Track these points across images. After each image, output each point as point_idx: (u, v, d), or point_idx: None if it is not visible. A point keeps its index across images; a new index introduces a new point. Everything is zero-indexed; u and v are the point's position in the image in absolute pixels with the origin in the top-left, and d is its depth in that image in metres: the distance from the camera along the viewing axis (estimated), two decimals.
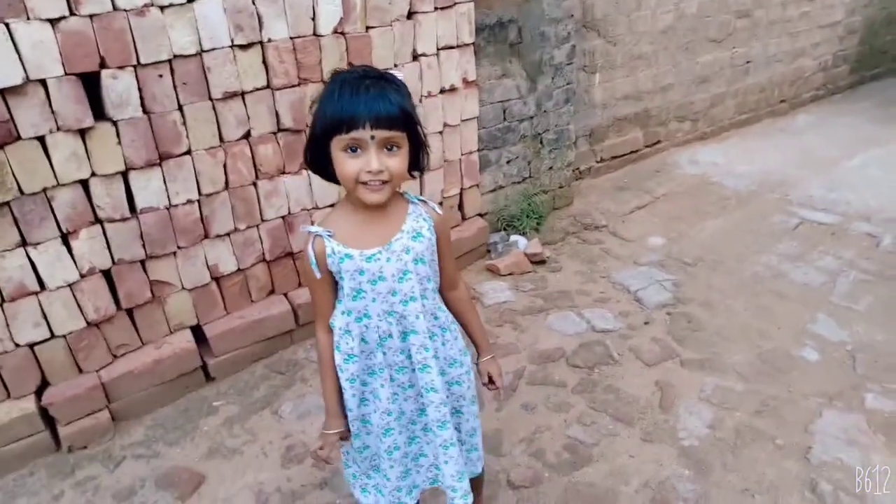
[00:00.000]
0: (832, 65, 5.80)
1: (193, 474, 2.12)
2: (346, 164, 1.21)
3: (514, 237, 3.40)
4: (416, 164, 1.32)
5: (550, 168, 3.68)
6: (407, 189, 1.44)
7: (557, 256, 3.38)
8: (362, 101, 1.17)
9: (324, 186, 2.70)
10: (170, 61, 2.21)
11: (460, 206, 3.27)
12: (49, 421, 2.24)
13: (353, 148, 1.19)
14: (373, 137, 1.18)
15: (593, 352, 2.61)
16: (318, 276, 1.33)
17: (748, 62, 4.98)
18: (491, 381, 1.57)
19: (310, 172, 2.61)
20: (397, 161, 1.23)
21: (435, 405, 1.40)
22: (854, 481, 1.97)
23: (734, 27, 4.72)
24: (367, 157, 1.19)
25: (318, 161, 1.27)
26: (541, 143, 3.57)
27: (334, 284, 1.37)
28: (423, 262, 1.35)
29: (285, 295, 2.76)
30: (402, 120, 1.21)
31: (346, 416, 1.45)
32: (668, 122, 4.62)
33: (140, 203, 2.29)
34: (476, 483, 1.68)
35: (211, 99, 2.33)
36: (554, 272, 3.23)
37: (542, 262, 3.29)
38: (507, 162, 3.45)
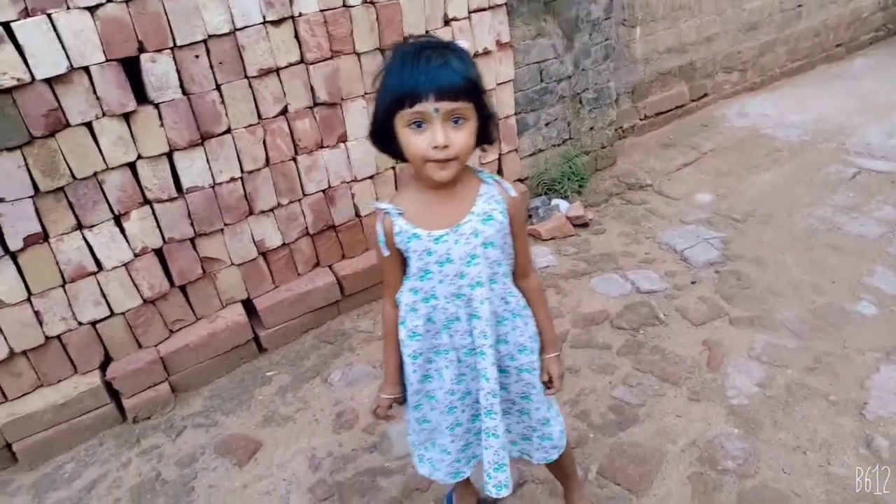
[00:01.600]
0: (893, 2, 5.44)
1: (250, 441, 2.22)
2: (411, 140, 1.17)
3: (555, 201, 3.36)
4: (485, 137, 1.27)
5: (591, 128, 3.60)
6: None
7: (601, 219, 3.33)
8: (423, 72, 1.13)
9: (362, 158, 2.72)
10: (205, 42, 2.25)
11: (499, 172, 3.25)
12: (114, 394, 2.37)
13: (418, 123, 1.15)
14: (437, 110, 1.13)
15: (638, 313, 2.58)
16: (386, 253, 1.33)
17: (800, 5, 4.72)
18: (551, 381, 1.48)
19: (348, 145, 2.66)
20: (464, 135, 1.18)
21: (484, 392, 1.38)
22: None
23: None
24: (433, 132, 1.15)
25: (384, 139, 1.24)
26: (580, 102, 3.49)
27: (403, 261, 1.36)
28: (494, 246, 1.31)
29: (330, 267, 2.81)
30: (467, 90, 1.16)
31: (402, 385, 1.48)
32: (715, 73, 4.45)
33: (186, 183, 2.36)
34: (560, 465, 1.64)
35: (247, 77, 2.37)
36: (597, 234, 3.19)
37: (585, 224, 3.25)
38: (546, 124, 3.39)
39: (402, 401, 1.50)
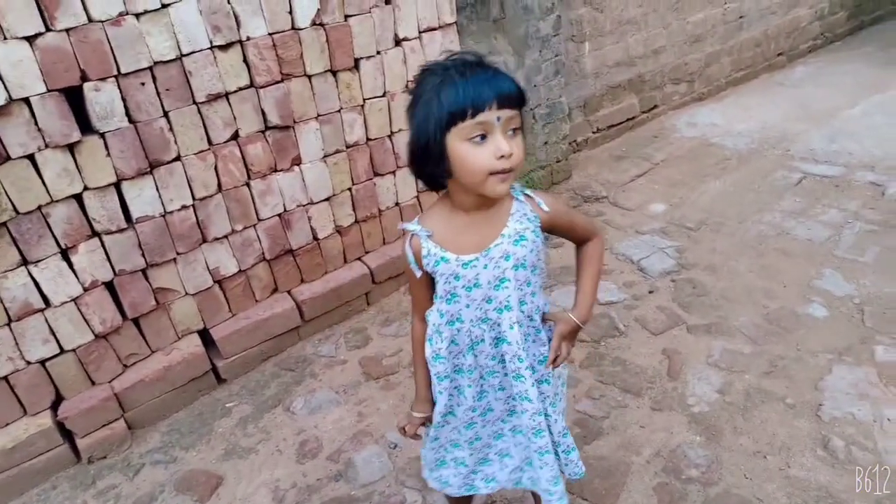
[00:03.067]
0: (829, 12, 5.67)
1: (211, 476, 2.15)
2: (474, 155, 1.12)
3: None
4: None
5: (546, 143, 3.65)
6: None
7: None
8: (484, 81, 1.10)
9: (318, 180, 2.70)
10: (150, 69, 2.20)
11: None
12: (67, 434, 2.28)
13: (481, 135, 1.11)
14: (499, 119, 1.10)
15: (598, 325, 2.60)
16: (419, 274, 1.29)
17: (741, 17, 4.88)
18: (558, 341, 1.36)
19: (302, 168, 2.63)
20: (520, 146, 1.15)
21: (529, 414, 1.37)
22: (866, 435, 1.96)
23: None
24: (495, 143, 1.11)
25: (430, 164, 1.17)
26: (533, 118, 3.54)
27: (432, 281, 1.33)
28: (524, 267, 1.27)
29: (289, 292, 2.77)
30: (520, 98, 1.14)
31: (432, 403, 1.44)
32: (664, 85, 4.56)
33: (135, 213, 2.30)
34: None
35: (195, 103, 2.32)
36: (556, 248, 3.21)
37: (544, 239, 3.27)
38: None
39: (430, 420, 1.48)
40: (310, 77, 2.54)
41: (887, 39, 5.77)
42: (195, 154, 2.37)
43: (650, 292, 2.77)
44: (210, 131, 2.38)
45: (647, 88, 4.45)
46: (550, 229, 1.32)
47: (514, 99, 1.12)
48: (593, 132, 4.23)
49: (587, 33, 3.91)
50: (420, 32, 2.79)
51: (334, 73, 2.60)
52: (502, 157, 1.12)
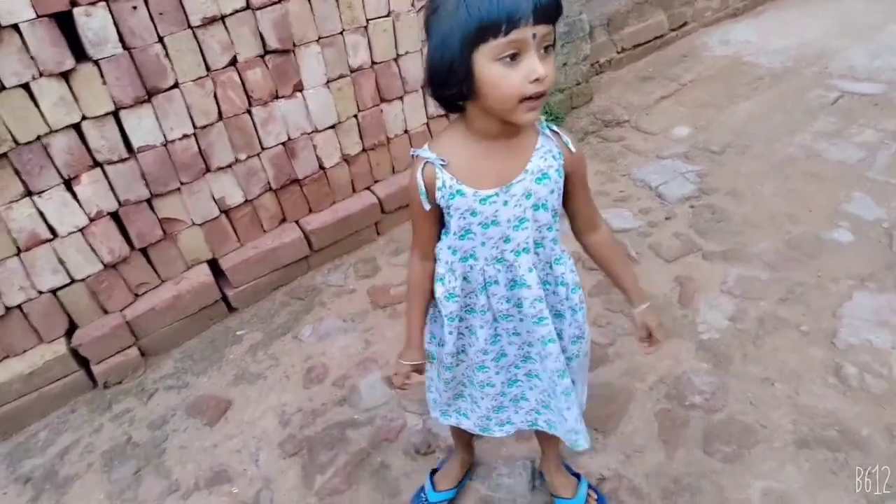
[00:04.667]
0: None
1: (220, 401, 2.20)
2: (504, 77, 0.98)
3: None
4: None
5: (564, 64, 3.48)
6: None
7: None
8: None
9: (322, 108, 2.63)
10: None
11: None
12: (83, 361, 2.35)
13: (512, 55, 0.97)
14: (535, 36, 0.95)
15: None
16: (428, 207, 1.18)
17: None
18: (649, 335, 1.33)
19: (305, 94, 2.56)
20: (552, 67, 1.01)
21: (554, 356, 1.29)
22: (882, 363, 1.88)
23: None
24: (530, 63, 0.97)
25: (452, 85, 1.04)
26: None
27: (441, 216, 1.22)
28: (546, 209, 1.17)
29: (297, 222, 2.75)
30: (558, 9, 0.99)
31: (422, 348, 1.37)
32: (695, 0, 4.27)
33: (136, 142, 2.27)
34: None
35: (191, 27, 2.25)
36: None
37: None
38: None
39: (423, 368, 1.39)
40: None
41: None
42: (193, 81, 2.31)
43: (667, 219, 2.67)
44: (207, 56, 2.32)
45: (676, 4, 4.17)
46: (565, 178, 1.20)
47: (553, 11, 0.97)
48: (618, 52, 4.01)
49: None
50: None
51: None
52: (537, 79, 0.98)
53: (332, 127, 2.70)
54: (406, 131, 2.93)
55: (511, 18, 0.93)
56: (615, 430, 1.83)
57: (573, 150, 1.17)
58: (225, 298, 2.62)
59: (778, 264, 2.33)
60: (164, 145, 2.33)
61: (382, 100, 2.80)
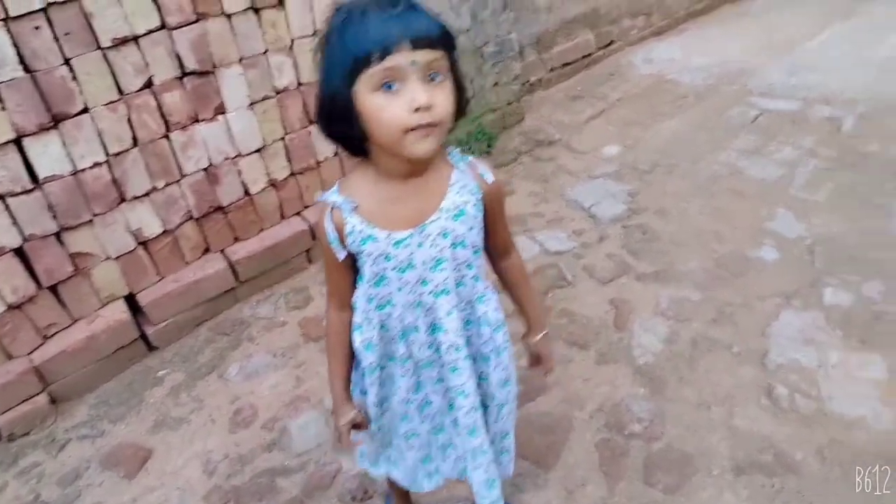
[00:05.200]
0: None
1: (139, 450, 2.05)
2: (383, 109, 0.93)
3: None
4: (459, 102, 1.02)
5: (496, 84, 3.47)
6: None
7: (510, 179, 3.23)
8: (393, 17, 0.90)
9: (246, 130, 2.51)
10: (44, 10, 1.97)
11: None
12: None
13: (389, 84, 0.92)
14: (414, 63, 0.91)
15: (546, 276, 2.51)
16: (342, 255, 1.11)
17: None
18: (539, 361, 1.36)
19: (227, 117, 2.44)
20: (445, 94, 0.96)
21: (465, 410, 1.23)
22: (810, 382, 1.93)
23: None
24: (411, 91, 0.92)
25: (340, 120, 0.98)
26: (481, 57, 3.35)
27: (355, 262, 1.15)
28: (464, 246, 1.12)
29: (222, 252, 2.61)
30: (443, 37, 0.94)
31: (352, 401, 1.29)
32: (620, 19, 4.37)
33: (41, 172, 2.10)
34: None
35: (100, 48, 2.10)
36: (507, 196, 3.09)
37: None
38: None
39: (363, 419, 1.30)
40: (229, 16, 2.32)
41: None
42: (105, 105, 2.16)
43: (600, 240, 2.68)
44: (120, 79, 2.17)
45: (603, 23, 4.25)
46: (484, 211, 1.15)
47: (435, 38, 0.93)
48: (548, 71, 4.04)
49: None
50: None
51: (256, 10, 2.38)
52: (419, 109, 0.93)
53: (258, 151, 2.58)
54: (337, 153, 2.84)
55: (382, 47, 0.90)
56: (556, 464, 1.80)
57: (490, 179, 1.12)
58: (144, 337, 2.45)
59: (707, 284, 2.37)
60: (74, 174, 2.17)
61: (311, 122, 2.70)
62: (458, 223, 1.09)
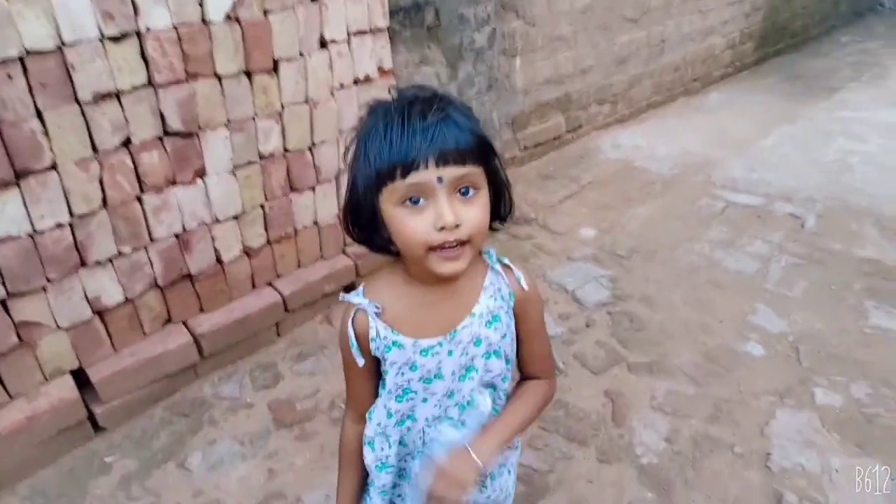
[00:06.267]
0: (739, 42, 5.87)
1: None
2: (406, 224, 0.87)
3: None
4: (499, 210, 0.97)
5: None
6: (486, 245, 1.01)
7: None
8: (419, 131, 0.84)
9: (225, 195, 2.35)
10: (21, 59, 1.80)
11: None
12: None
13: (415, 199, 0.86)
14: (440, 179, 0.85)
15: None
16: (362, 363, 1.02)
17: (663, 41, 4.92)
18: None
19: (206, 181, 2.27)
20: (477, 210, 0.89)
21: None
22: (817, 488, 1.87)
23: (649, 6, 4.64)
24: (437, 208, 0.85)
25: (366, 226, 0.94)
26: None
27: (378, 369, 1.06)
28: (499, 356, 1.04)
29: (184, 323, 2.39)
30: (476, 150, 0.88)
31: None
32: (589, 105, 4.50)
33: None
34: None
35: (78, 102, 1.93)
36: None
37: None
38: None
39: None
40: (220, 78, 2.20)
41: (789, 71, 6.05)
42: (75, 162, 1.97)
43: (587, 326, 2.62)
44: (95, 136, 2.00)
45: (573, 107, 4.36)
46: (515, 320, 1.05)
47: (467, 152, 0.87)
48: (521, 150, 4.08)
49: (519, 48, 3.75)
50: (349, 35, 2.50)
51: (249, 74, 2.27)
52: (443, 227, 0.86)
53: (235, 217, 2.42)
54: (316, 223, 2.70)
55: (406, 162, 0.84)
56: None
57: (525, 286, 1.03)
58: (92, 416, 2.18)
59: (700, 378, 2.33)
60: (31, 236, 1.94)
61: (293, 189, 2.57)
62: (491, 331, 1.01)
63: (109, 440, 2.18)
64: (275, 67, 2.31)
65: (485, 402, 1.06)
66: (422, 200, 0.86)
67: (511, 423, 1.05)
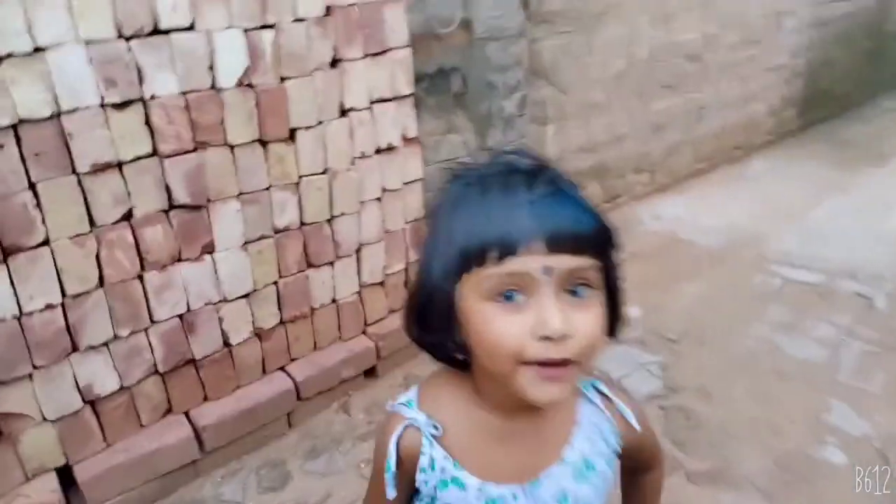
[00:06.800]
0: (781, 108, 5.65)
1: None
2: (494, 324, 0.66)
3: None
4: (611, 321, 0.76)
5: None
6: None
7: None
8: (526, 204, 0.65)
9: (234, 272, 2.16)
10: (14, 127, 1.66)
11: (405, 284, 2.76)
12: None
13: (510, 294, 0.66)
14: (549, 270, 0.65)
15: None
16: (392, 495, 0.78)
17: (701, 108, 4.73)
18: None
19: (215, 257, 2.09)
20: (592, 319, 0.68)
21: None
22: None
23: (686, 72, 4.47)
24: (540, 310, 0.65)
25: (436, 327, 0.73)
26: None
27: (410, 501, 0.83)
28: None
29: (186, 414, 2.16)
30: (598, 238, 0.69)
31: None
32: (626, 174, 4.29)
33: None
34: None
35: (76, 173, 1.79)
36: None
37: None
38: None
39: None
40: (232, 147, 2.04)
41: (836, 139, 5.78)
42: (70, 238, 1.81)
43: None
44: (93, 209, 1.84)
45: (610, 176, 4.15)
46: (625, 456, 0.84)
47: (586, 240, 0.67)
48: None
49: (550, 115, 3.59)
50: (371, 103, 2.34)
51: (264, 143, 2.11)
52: (547, 337, 0.63)
53: (246, 296, 2.21)
54: (334, 300, 2.49)
55: (505, 241, 0.64)
56: None
57: (637, 427, 0.79)
58: None
59: (774, 491, 1.99)
60: (18, 318, 1.76)
61: (310, 265, 2.37)
62: (585, 485, 0.77)
63: None
64: (291, 136, 2.16)
65: None
66: (519, 297, 0.66)
67: None
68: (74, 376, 1.90)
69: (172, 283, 2.03)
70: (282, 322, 2.36)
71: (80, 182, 1.79)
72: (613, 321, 0.76)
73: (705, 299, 3.16)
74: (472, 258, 0.66)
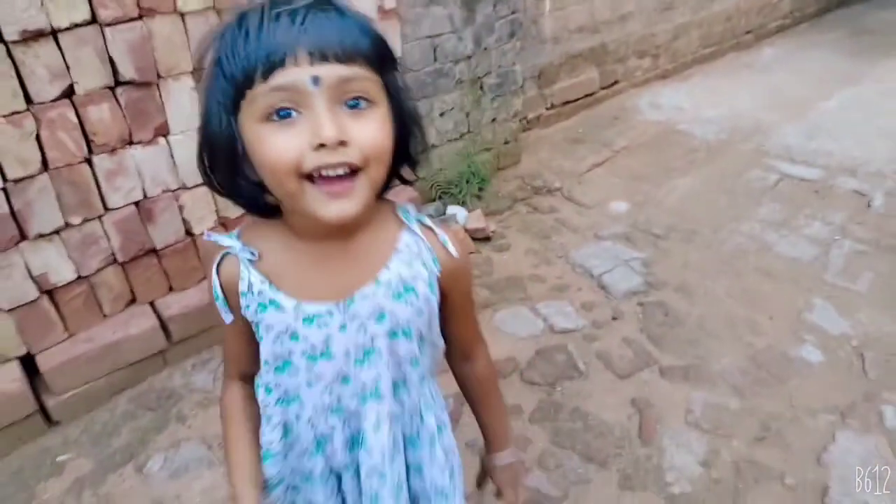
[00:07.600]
0: None
1: None
2: (270, 142, 0.65)
3: (451, 209, 2.80)
4: (403, 143, 0.74)
5: (493, 120, 3.06)
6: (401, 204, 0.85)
7: (505, 231, 2.80)
8: (286, 15, 0.63)
9: (193, 157, 2.01)
10: None
11: None
12: None
13: (283, 111, 0.64)
14: (317, 80, 0.63)
15: (554, 361, 2.08)
16: (229, 319, 0.82)
17: None
18: (499, 493, 1.02)
19: (170, 140, 1.94)
20: (373, 125, 0.67)
21: None
22: None
23: None
24: (313, 120, 0.64)
25: (224, 166, 0.72)
26: (481, 88, 2.93)
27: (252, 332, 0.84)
28: (408, 336, 0.81)
29: (151, 304, 2.10)
30: (370, 50, 0.67)
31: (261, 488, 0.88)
32: (627, 58, 4.03)
33: None
34: None
35: (4, 42, 1.61)
36: (501, 252, 2.66)
37: (487, 238, 2.71)
38: (441, 115, 2.81)
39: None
40: (182, 15, 1.85)
41: (855, 26, 5.43)
42: (4, 116, 1.66)
43: (614, 318, 2.27)
44: (29, 84, 1.68)
45: (609, 60, 3.90)
46: (442, 294, 0.83)
47: (352, 48, 0.65)
48: (547, 108, 3.66)
49: None
50: None
51: (218, 11, 1.91)
52: (322, 144, 0.63)
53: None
54: None
55: (270, 57, 0.63)
56: None
57: (455, 253, 0.81)
58: (44, 409, 1.92)
59: (745, 388, 1.97)
60: None
61: None
62: (401, 304, 0.79)
63: (64, 435, 1.93)
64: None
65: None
66: (294, 113, 0.64)
67: (502, 416, 1.01)
68: (26, 265, 1.82)
69: (125, 169, 1.90)
70: None
71: (9, 53, 1.62)
72: (407, 138, 0.75)
73: (697, 194, 3.05)
74: (240, 80, 0.64)
